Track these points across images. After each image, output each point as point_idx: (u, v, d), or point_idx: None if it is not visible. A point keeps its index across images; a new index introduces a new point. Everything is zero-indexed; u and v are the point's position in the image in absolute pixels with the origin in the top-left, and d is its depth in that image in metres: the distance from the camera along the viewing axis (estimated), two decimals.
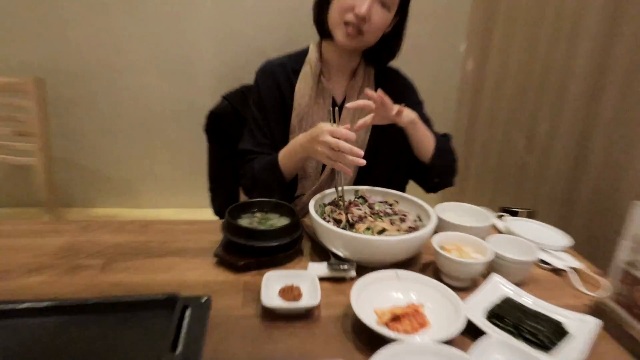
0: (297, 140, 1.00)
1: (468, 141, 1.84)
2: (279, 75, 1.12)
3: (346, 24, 0.99)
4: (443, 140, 1.12)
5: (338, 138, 0.87)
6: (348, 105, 0.92)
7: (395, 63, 1.23)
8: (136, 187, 1.90)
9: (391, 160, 1.21)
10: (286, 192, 1.10)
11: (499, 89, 1.63)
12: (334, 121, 0.92)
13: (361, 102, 0.93)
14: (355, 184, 1.11)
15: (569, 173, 1.26)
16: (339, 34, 1.01)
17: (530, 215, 1.15)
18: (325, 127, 0.90)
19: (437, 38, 1.77)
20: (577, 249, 0.94)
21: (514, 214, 1.14)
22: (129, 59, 1.68)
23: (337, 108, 0.95)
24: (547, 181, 1.35)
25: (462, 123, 1.84)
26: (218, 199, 1.45)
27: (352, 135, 0.88)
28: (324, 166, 1.14)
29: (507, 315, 0.68)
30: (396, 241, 0.78)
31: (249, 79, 1.24)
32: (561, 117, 1.27)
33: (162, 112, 1.76)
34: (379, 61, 1.15)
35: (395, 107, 0.96)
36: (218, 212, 1.42)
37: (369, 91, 0.93)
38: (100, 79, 1.70)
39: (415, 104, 1.19)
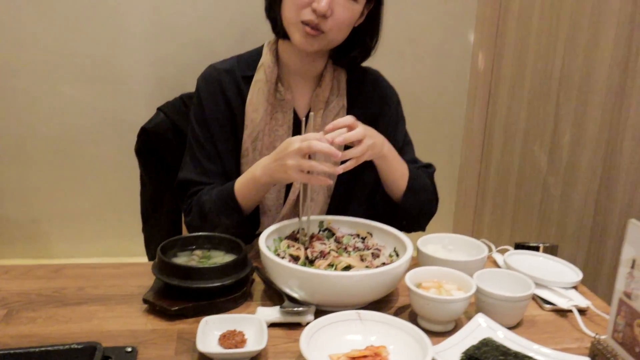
0: (259, 164, 1.16)
1: (483, 162, 2.04)
2: (226, 84, 1.29)
3: (304, 22, 1.17)
4: (420, 175, 1.28)
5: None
6: (327, 134, 1.05)
7: (385, 64, 1.41)
8: (45, 230, 2.04)
9: (370, 192, 1.37)
10: (246, 230, 1.24)
11: (515, 92, 1.85)
12: None
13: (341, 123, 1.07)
14: None
15: (596, 196, 1.45)
16: (296, 34, 1.19)
17: (551, 250, 1.33)
18: (295, 138, 1.07)
19: (440, 29, 1.99)
20: (608, 287, 1.11)
21: (533, 250, 1.31)
22: (35, 60, 1.84)
23: (305, 118, 1.11)
24: (573, 207, 1.53)
25: (474, 138, 2.04)
26: (155, 242, 1.60)
27: (325, 141, 1.03)
28: (285, 198, 1.31)
29: (485, 359, 0.84)
30: (361, 277, 0.94)
31: (192, 86, 1.42)
32: (585, 124, 1.48)
33: (81, 130, 1.91)
34: (350, 62, 1.34)
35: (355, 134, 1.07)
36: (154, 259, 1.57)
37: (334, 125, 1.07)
38: None
39: (394, 122, 1.36)
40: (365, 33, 1.30)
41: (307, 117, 1.19)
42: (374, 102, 1.35)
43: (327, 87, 1.31)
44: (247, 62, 1.32)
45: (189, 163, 1.31)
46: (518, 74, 1.82)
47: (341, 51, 1.30)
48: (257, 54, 1.33)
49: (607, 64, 1.40)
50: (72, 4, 1.77)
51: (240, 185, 1.20)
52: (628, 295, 0.87)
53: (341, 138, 1.06)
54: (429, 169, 1.35)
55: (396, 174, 1.22)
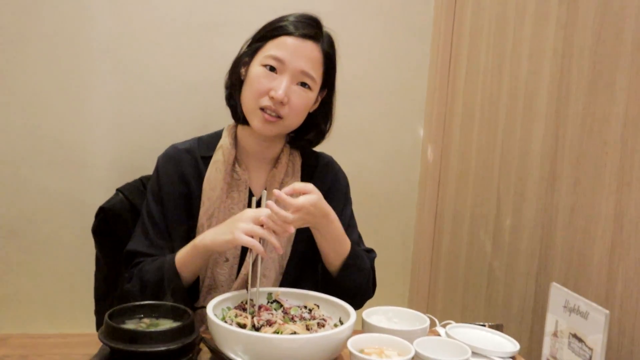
0: (206, 235, 1.21)
1: (434, 247, 2.13)
2: (185, 163, 1.37)
3: (262, 109, 1.29)
4: (361, 257, 1.35)
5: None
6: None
7: (340, 154, 1.52)
8: None
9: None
10: (184, 300, 1.25)
11: (461, 182, 1.98)
12: None
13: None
14: None
15: (536, 277, 1.54)
16: (255, 120, 1.30)
17: (496, 328, 1.39)
18: (250, 209, 1.15)
19: (391, 123, 2.14)
20: None
21: None
22: None
23: (254, 198, 1.20)
24: (516, 289, 1.61)
25: (425, 224, 2.14)
26: None
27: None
28: (237, 273, 1.36)
29: None
30: (303, 341, 0.98)
31: (151, 169, 1.48)
32: (523, 210, 1.60)
33: (36, 211, 1.92)
34: (306, 145, 1.45)
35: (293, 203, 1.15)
36: None
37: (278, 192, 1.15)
38: None
39: (342, 204, 1.45)
40: (320, 118, 1.43)
41: (258, 201, 1.26)
42: (325, 184, 1.43)
43: (283, 169, 1.40)
44: (207, 143, 1.41)
45: (139, 235, 1.35)
46: (463, 165, 1.97)
47: (297, 135, 1.42)
48: (216, 136, 1.42)
49: (539, 155, 1.55)
50: (35, 87, 1.84)
51: (181, 254, 1.25)
52: (554, 356, 0.94)
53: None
54: (370, 253, 1.42)
55: (333, 247, 1.28)
